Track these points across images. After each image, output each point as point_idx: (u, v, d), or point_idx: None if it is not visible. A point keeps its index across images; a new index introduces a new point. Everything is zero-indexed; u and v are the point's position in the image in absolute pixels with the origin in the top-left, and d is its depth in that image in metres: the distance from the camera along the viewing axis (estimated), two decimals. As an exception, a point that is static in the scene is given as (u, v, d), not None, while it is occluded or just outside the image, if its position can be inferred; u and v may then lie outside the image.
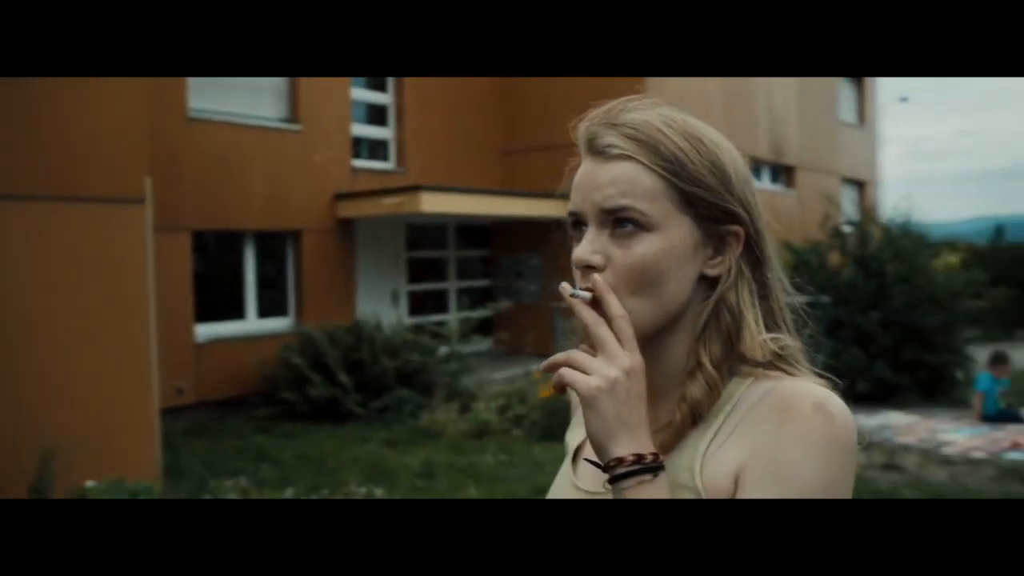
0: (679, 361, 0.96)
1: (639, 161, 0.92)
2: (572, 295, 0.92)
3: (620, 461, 0.87)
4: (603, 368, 0.88)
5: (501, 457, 6.91)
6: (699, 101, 12.91)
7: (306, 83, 10.47)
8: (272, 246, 10.58)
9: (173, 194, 8.70)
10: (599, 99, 1.00)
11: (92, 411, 5.25)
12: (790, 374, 0.93)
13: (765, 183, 15.90)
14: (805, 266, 10.35)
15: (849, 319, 9.75)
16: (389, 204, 10.17)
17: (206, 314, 9.57)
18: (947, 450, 7.08)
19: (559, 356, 0.91)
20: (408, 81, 11.95)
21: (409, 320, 11.34)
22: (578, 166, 0.98)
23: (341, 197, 10.84)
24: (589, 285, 0.92)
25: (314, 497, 5.58)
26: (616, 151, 0.93)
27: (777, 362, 0.94)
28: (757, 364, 0.93)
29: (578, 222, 0.96)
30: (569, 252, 0.96)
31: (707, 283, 0.96)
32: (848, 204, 17.41)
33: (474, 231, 13.59)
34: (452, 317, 12.04)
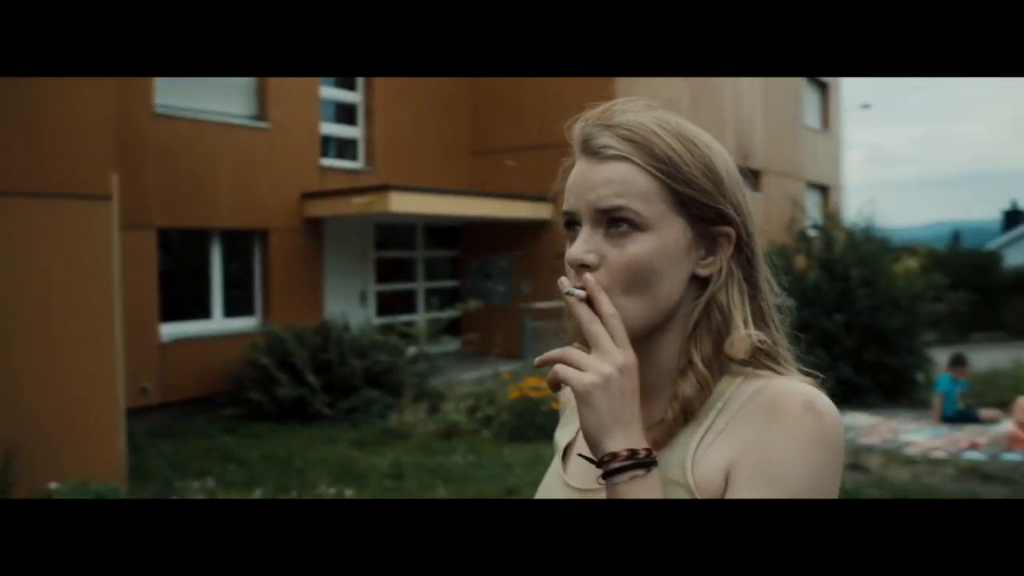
0: (671, 360, 0.97)
1: (634, 162, 0.93)
2: (567, 293, 0.93)
3: (614, 456, 0.88)
4: (597, 364, 0.89)
5: (470, 458, 6.91)
6: (667, 105, 12.98)
7: (275, 81, 10.37)
8: (239, 245, 10.46)
9: (139, 191, 8.57)
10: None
11: (55, 411, 5.16)
12: (779, 373, 0.95)
13: (731, 186, 16.03)
14: (771, 268, 10.44)
15: (814, 321, 9.88)
16: (358, 204, 10.12)
17: (171, 313, 9.44)
18: (909, 450, 7.20)
19: (554, 353, 0.92)
20: (378, 80, 11.89)
21: (377, 320, 11.28)
22: (572, 167, 0.98)
23: (309, 196, 10.76)
24: (582, 284, 0.93)
25: (282, 498, 5.53)
26: (611, 152, 0.94)
27: (766, 361, 0.96)
28: (747, 363, 0.95)
29: (572, 222, 0.96)
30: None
31: (698, 283, 0.97)
32: (813, 208, 17.64)
33: (443, 231, 13.55)
34: (420, 318, 12.01)
